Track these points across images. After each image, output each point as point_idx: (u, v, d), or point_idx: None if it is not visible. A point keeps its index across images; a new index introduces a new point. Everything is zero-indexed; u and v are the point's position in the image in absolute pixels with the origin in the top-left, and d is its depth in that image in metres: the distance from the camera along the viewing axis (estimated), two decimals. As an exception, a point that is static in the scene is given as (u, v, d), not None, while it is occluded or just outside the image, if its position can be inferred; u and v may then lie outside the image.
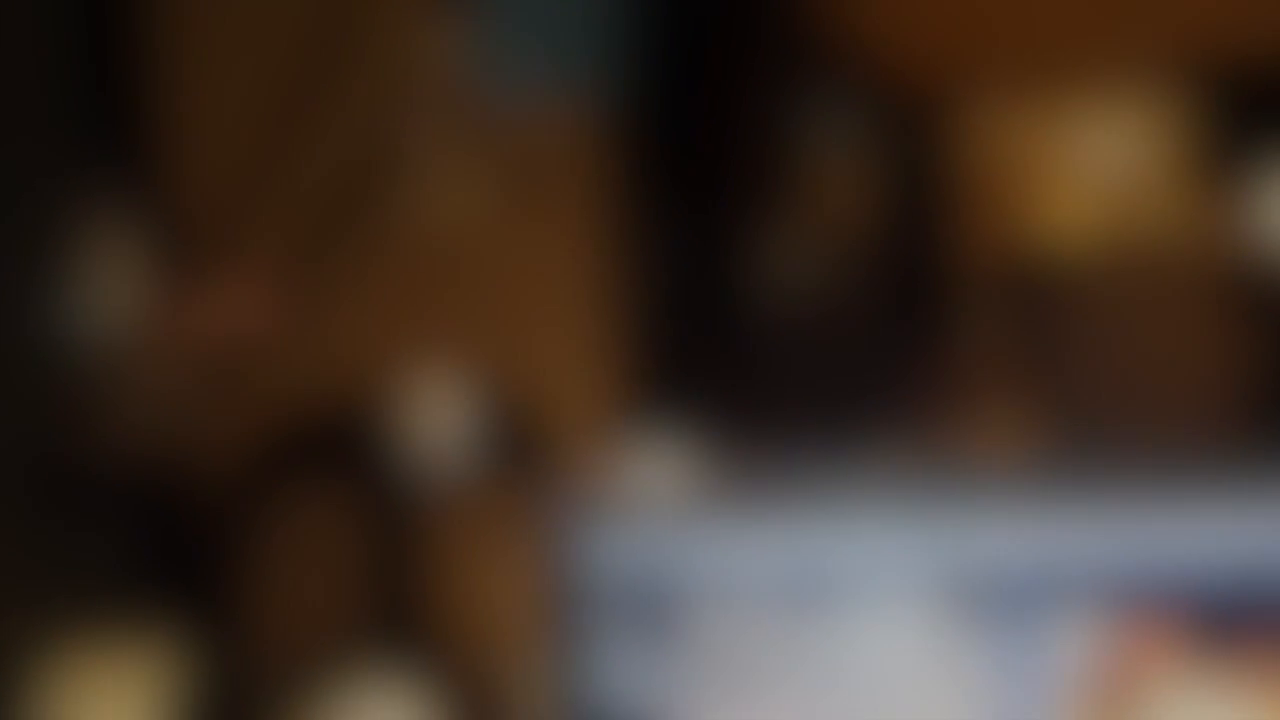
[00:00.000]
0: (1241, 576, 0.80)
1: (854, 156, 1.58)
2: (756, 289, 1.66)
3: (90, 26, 1.56)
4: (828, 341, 1.53)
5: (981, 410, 1.39)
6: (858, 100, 1.55)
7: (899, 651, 0.85)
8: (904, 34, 1.54)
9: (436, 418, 1.59)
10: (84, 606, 1.46)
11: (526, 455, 1.64)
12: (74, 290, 1.54)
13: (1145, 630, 0.81)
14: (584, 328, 1.80)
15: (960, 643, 0.84)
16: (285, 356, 1.11)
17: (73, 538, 1.47)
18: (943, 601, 0.84)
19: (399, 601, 1.66)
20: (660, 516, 0.92)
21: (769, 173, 1.60)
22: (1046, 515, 0.83)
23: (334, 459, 1.64)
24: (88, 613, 1.44)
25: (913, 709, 0.85)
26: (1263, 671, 0.80)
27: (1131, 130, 1.59)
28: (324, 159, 0.95)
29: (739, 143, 1.78)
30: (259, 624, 1.66)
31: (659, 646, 0.88)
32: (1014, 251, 1.57)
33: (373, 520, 1.65)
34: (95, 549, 1.49)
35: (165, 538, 1.57)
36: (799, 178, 1.58)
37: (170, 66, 1.61)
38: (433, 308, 1.72)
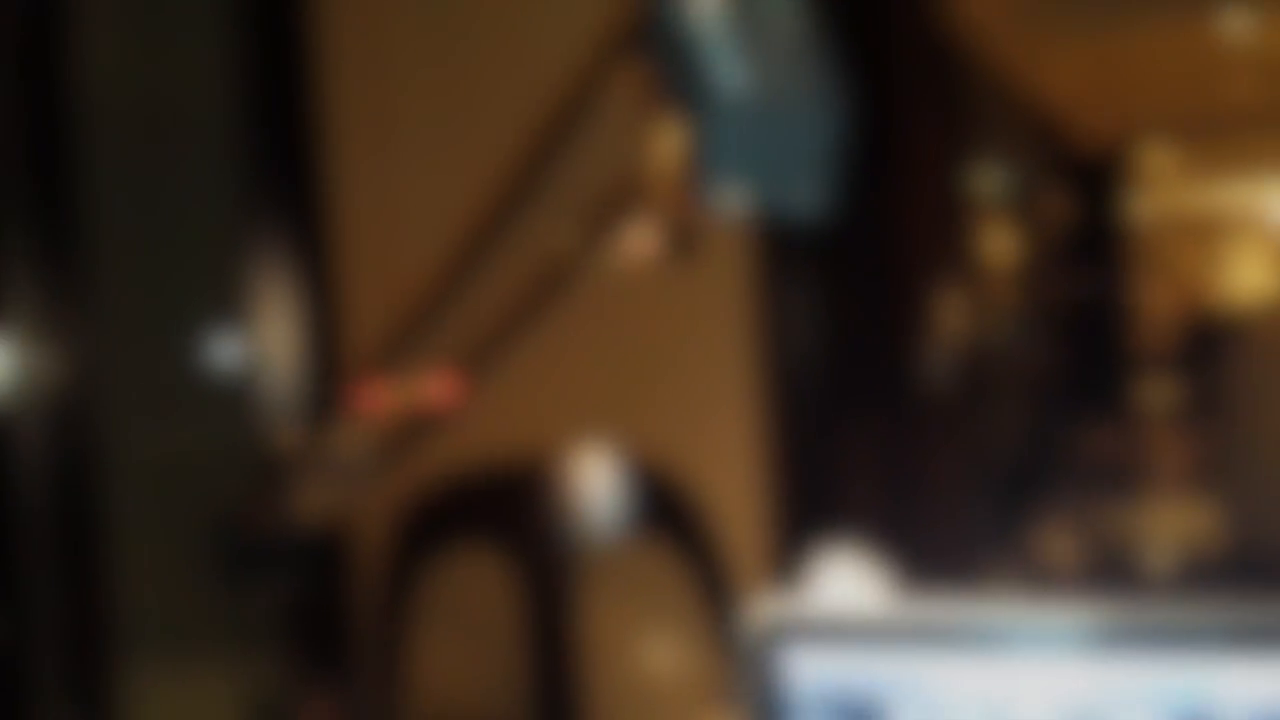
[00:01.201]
0: None
1: (1029, 221, 1.55)
2: (924, 375, 1.63)
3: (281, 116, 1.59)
4: (1006, 423, 1.50)
5: (1160, 494, 1.36)
6: (1035, 164, 1.53)
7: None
8: (1082, 97, 1.51)
9: (599, 495, 1.59)
10: (251, 661, 1.49)
11: (685, 536, 1.63)
12: (263, 363, 1.57)
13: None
14: (747, 419, 1.78)
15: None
16: (461, 431, 1.13)
17: (245, 594, 1.51)
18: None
19: (553, 671, 1.66)
20: (845, 628, 0.91)
21: (945, 252, 1.58)
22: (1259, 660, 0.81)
23: (499, 527, 1.65)
24: (254, 668, 1.47)
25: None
26: None
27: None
28: (518, 252, 0.97)
29: (912, 225, 1.75)
30: (418, 686, 1.68)
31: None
32: (1194, 313, 1.53)
33: (531, 591, 1.66)
34: (263, 605, 1.52)
35: (332, 598, 1.59)
36: (973, 249, 1.56)
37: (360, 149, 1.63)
38: (603, 390, 1.72)
